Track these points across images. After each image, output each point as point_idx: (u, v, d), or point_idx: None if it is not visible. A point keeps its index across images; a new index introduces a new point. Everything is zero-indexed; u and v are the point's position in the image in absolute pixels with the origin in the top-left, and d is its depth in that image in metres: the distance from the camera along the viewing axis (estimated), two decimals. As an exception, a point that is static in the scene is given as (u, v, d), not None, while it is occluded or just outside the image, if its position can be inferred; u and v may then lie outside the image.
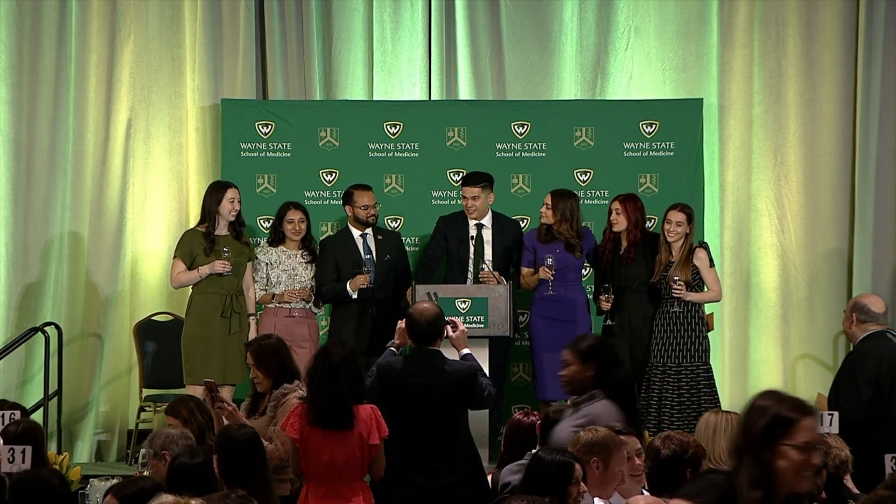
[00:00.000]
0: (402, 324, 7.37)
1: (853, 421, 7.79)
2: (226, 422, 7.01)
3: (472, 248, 9.88)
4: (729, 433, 7.25)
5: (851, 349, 8.76)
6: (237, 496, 4.83)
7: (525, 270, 9.78)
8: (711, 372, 9.58)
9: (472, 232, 9.90)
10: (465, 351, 7.35)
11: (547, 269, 9.54)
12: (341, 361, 6.71)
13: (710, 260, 9.69)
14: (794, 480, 4.14)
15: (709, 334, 9.66)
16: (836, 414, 7.67)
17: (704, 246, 9.78)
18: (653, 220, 10.14)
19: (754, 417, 4.17)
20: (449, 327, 7.39)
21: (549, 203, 9.72)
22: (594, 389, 6.47)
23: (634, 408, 6.53)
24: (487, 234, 9.92)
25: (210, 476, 5.78)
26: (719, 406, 9.50)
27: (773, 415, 4.14)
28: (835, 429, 7.51)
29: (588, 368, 6.49)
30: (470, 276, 9.82)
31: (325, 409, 6.63)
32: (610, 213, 9.75)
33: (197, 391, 9.47)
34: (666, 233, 9.58)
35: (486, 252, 9.85)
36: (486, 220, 9.92)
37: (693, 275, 9.52)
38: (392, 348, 7.36)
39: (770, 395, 4.20)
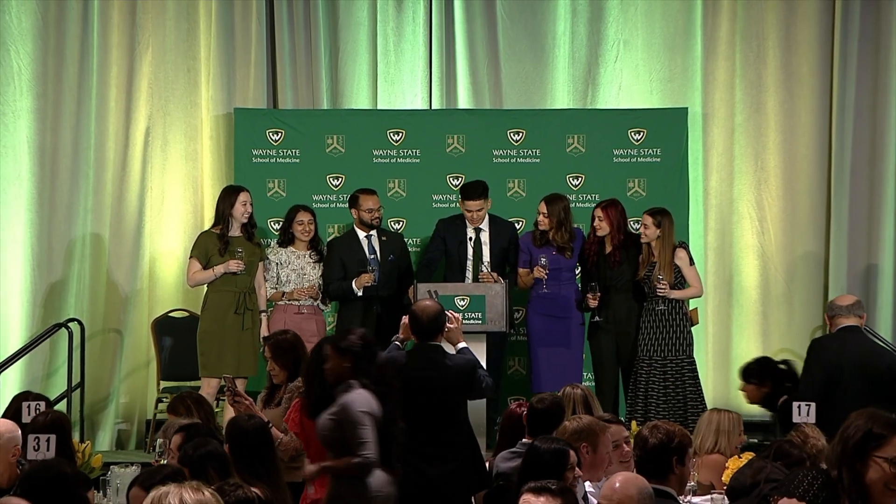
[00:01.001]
0: (405, 320, 7.40)
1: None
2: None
3: (470, 250, 9.89)
4: (728, 427, 7.31)
5: None
6: (231, 485, 4.85)
7: (521, 271, 9.80)
8: (695, 365, 9.58)
9: (471, 234, 9.92)
10: (462, 345, 7.37)
11: (542, 269, 9.56)
12: None
13: (690, 258, 9.69)
14: (882, 493, 4.19)
15: (693, 329, 9.68)
16: (812, 405, 7.71)
17: (684, 245, 9.78)
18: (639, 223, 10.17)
19: (850, 431, 4.25)
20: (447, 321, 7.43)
21: (545, 212, 9.72)
22: (350, 380, 6.54)
23: (393, 398, 6.68)
24: (485, 237, 9.92)
25: (225, 462, 5.81)
26: (702, 397, 9.56)
27: (867, 430, 4.22)
28: (811, 419, 7.56)
29: (345, 361, 6.55)
30: (469, 275, 9.84)
31: (319, 402, 6.64)
32: (593, 219, 9.74)
33: (212, 383, 9.55)
34: (641, 234, 9.65)
35: (483, 253, 9.86)
36: (484, 224, 9.91)
37: (675, 273, 9.56)
38: (396, 342, 7.39)
39: (865, 412, 4.28)
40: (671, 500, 5.45)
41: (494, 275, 9.55)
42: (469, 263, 9.85)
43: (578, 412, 7.21)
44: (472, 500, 7.03)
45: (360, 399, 6.38)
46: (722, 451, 7.36)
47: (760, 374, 8.90)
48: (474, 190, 9.86)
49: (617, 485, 4.92)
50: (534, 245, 9.74)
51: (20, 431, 6.60)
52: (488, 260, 9.79)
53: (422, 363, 7.16)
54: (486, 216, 9.92)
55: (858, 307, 8.37)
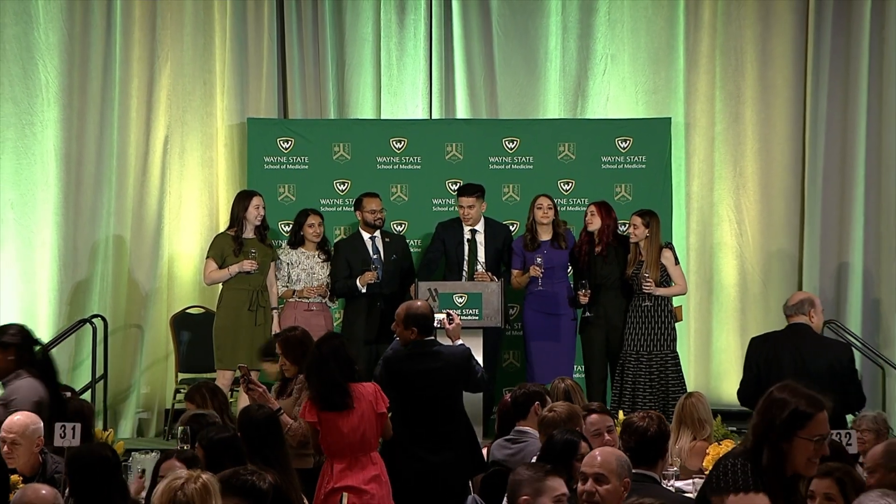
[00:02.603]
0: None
1: (743, 401, 7.78)
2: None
3: (467, 250, 9.89)
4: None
5: None
6: (248, 471, 4.84)
7: (515, 272, 9.80)
8: (678, 358, 9.56)
9: (468, 236, 9.91)
10: (459, 342, 7.39)
11: (537, 268, 9.56)
12: (329, 351, 6.73)
13: (676, 258, 9.68)
14: (804, 467, 4.15)
15: (677, 325, 9.67)
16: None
17: (670, 246, 9.78)
18: (626, 224, 10.15)
19: (774, 410, 4.16)
20: (446, 319, 7.40)
21: (549, 204, 9.69)
22: (18, 370, 6.84)
23: (56, 384, 6.98)
24: (481, 238, 9.91)
25: (238, 448, 5.79)
26: (685, 388, 9.53)
27: (792, 409, 4.14)
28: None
29: (9, 354, 6.85)
30: (465, 274, 9.83)
31: (322, 394, 6.64)
32: (585, 215, 9.76)
33: (226, 375, 9.54)
34: (630, 234, 9.63)
35: (479, 253, 9.86)
36: (479, 226, 9.92)
37: (661, 272, 9.54)
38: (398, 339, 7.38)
39: (787, 389, 4.19)
40: (657, 485, 5.44)
41: (489, 274, 9.55)
42: (465, 264, 9.84)
43: None
44: (470, 485, 7.00)
45: (29, 387, 6.72)
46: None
47: None
48: (467, 187, 9.92)
49: (598, 456, 5.01)
50: (525, 249, 9.73)
51: (42, 423, 6.59)
52: (483, 259, 9.77)
53: (420, 357, 7.15)
54: (482, 219, 9.91)
55: (804, 305, 8.27)
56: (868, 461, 5.64)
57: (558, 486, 4.86)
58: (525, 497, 4.85)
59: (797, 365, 7.64)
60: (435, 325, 7.28)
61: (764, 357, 7.75)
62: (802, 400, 4.16)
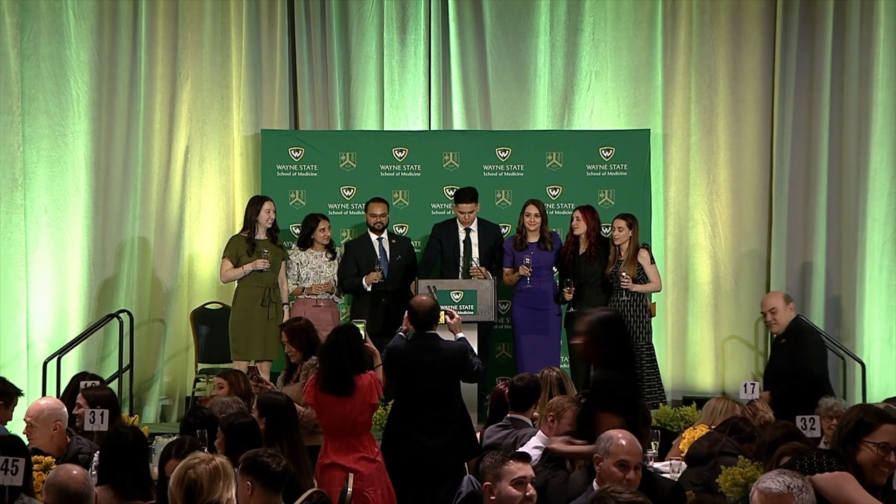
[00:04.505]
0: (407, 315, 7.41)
1: None
2: None
3: (462, 249, 9.91)
4: (725, 413, 7.28)
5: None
6: (270, 455, 4.87)
7: (506, 270, 9.81)
8: (653, 351, 9.57)
9: (462, 236, 9.92)
10: (460, 335, 7.37)
11: (526, 267, 9.57)
12: (346, 340, 6.75)
13: (652, 258, 9.68)
14: (871, 472, 4.28)
15: (652, 320, 9.68)
16: (757, 383, 7.72)
17: (647, 246, 9.79)
18: (609, 227, 10.16)
19: (844, 421, 4.39)
20: (447, 316, 7.42)
21: (536, 211, 9.70)
22: None
23: None
24: (475, 238, 9.92)
25: (256, 434, 5.81)
26: (659, 379, 9.55)
27: (858, 419, 4.33)
28: (758, 395, 7.56)
29: None
30: (461, 271, 9.85)
31: (330, 378, 6.66)
32: (571, 219, 9.77)
33: (241, 365, 9.54)
34: (613, 236, 9.63)
35: (473, 251, 9.88)
36: (473, 226, 9.94)
37: (638, 270, 9.55)
38: (400, 333, 7.38)
39: (861, 406, 4.42)
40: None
41: (483, 269, 9.57)
42: (461, 261, 9.85)
43: (554, 392, 7.27)
44: (465, 467, 7.01)
45: None
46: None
47: None
48: (466, 194, 9.90)
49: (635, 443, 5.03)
50: (515, 249, 9.75)
51: (65, 408, 6.63)
52: (477, 257, 9.80)
53: (421, 349, 7.16)
54: (476, 219, 9.92)
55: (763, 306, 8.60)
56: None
57: (516, 469, 4.80)
58: (487, 483, 4.83)
59: None
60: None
61: None
62: (868, 413, 4.42)
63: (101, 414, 6.65)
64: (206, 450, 5.46)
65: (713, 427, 6.82)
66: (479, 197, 9.98)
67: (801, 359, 8.33)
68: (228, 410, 6.43)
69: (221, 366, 9.97)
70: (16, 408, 7.26)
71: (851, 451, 4.29)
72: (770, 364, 8.88)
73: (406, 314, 7.34)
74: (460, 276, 9.72)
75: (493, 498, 4.79)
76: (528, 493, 4.79)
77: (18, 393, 7.20)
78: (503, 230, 10.37)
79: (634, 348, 8.87)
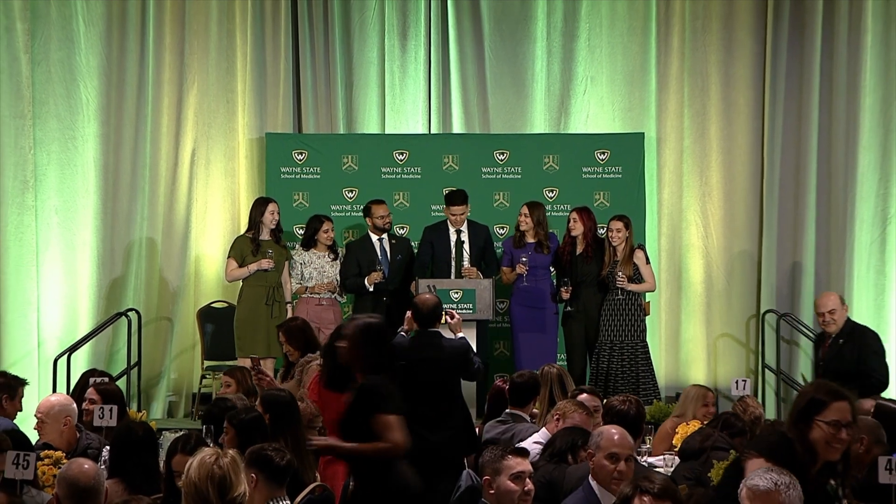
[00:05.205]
0: (409, 314, 7.41)
1: None
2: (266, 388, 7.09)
3: (453, 250, 9.91)
4: (696, 400, 7.34)
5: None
6: (274, 449, 4.88)
7: (505, 269, 9.82)
8: (647, 348, 9.59)
9: (454, 237, 9.93)
10: (460, 334, 7.40)
11: (522, 266, 9.59)
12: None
13: (647, 258, 9.70)
14: (825, 450, 4.26)
15: (648, 318, 9.70)
16: (748, 380, 7.74)
17: (642, 247, 9.80)
18: (605, 228, 10.17)
19: (798, 399, 4.36)
20: (447, 316, 7.42)
21: (527, 212, 9.76)
22: None
23: None
24: (466, 238, 9.92)
25: (264, 428, 5.83)
26: (654, 375, 9.57)
27: (811, 398, 4.30)
28: (749, 391, 7.58)
29: None
30: (453, 270, 9.85)
31: (333, 376, 6.66)
32: (568, 221, 9.78)
33: (246, 362, 9.52)
34: (609, 237, 9.64)
35: (464, 251, 9.88)
36: (464, 227, 9.94)
37: (634, 270, 9.56)
38: (402, 332, 7.39)
39: (815, 383, 4.37)
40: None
41: (474, 270, 9.59)
42: (453, 261, 9.86)
43: (554, 388, 7.27)
44: (465, 462, 7.02)
45: None
46: (693, 416, 7.39)
47: None
48: (458, 197, 9.90)
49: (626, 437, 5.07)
50: (514, 247, 9.77)
51: (74, 405, 6.64)
52: (468, 256, 9.81)
53: (423, 346, 7.17)
54: (466, 221, 9.93)
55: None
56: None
57: (515, 464, 4.81)
58: (486, 477, 4.84)
59: None
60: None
61: None
62: (821, 390, 4.36)
63: (111, 410, 6.66)
64: (211, 445, 5.47)
65: (689, 414, 6.98)
66: (479, 198, 9.99)
67: (869, 358, 8.43)
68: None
69: (227, 363, 9.98)
70: (25, 402, 7.25)
71: (804, 429, 4.27)
72: (828, 363, 8.77)
73: (407, 314, 7.35)
74: (453, 277, 9.72)
75: (492, 492, 4.80)
76: (526, 488, 4.80)
77: (21, 383, 7.12)
78: (501, 231, 10.38)
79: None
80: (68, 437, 6.48)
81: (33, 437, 6.50)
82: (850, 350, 8.52)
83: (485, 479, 4.83)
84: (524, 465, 4.86)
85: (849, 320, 8.78)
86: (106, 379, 7.51)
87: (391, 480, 5.20)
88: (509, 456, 4.83)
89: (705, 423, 6.91)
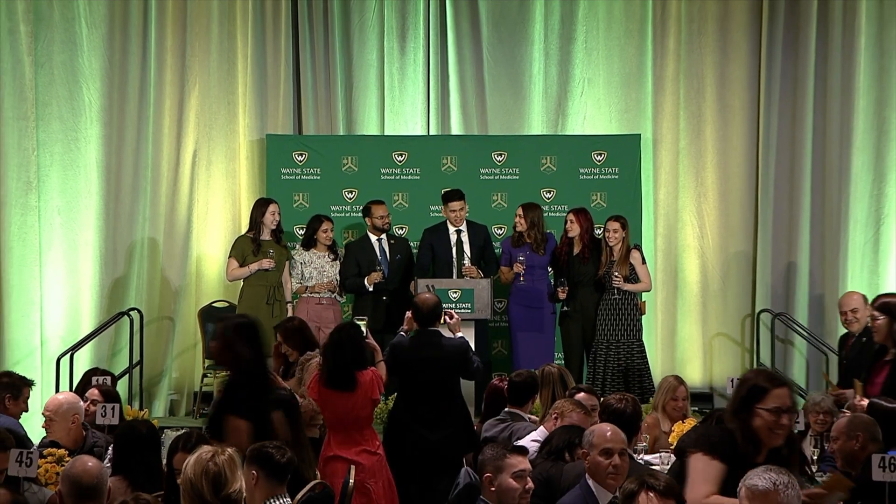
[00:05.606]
0: (409, 314, 7.41)
1: None
2: None
3: (454, 249, 9.92)
4: (668, 391, 7.40)
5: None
6: (275, 446, 4.88)
7: (503, 269, 9.83)
8: (643, 347, 9.59)
9: (454, 237, 9.93)
10: (459, 334, 7.40)
11: (519, 264, 9.59)
12: (347, 338, 6.76)
13: (643, 258, 9.71)
14: (768, 436, 4.23)
15: (642, 317, 9.70)
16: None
17: (638, 247, 9.80)
18: (601, 228, 10.17)
19: (739, 387, 4.31)
20: (446, 316, 7.43)
21: (521, 213, 9.77)
22: None
23: None
24: (465, 237, 9.93)
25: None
26: (650, 373, 9.58)
27: (751, 385, 4.26)
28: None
29: None
30: (454, 270, 9.86)
31: (332, 374, 6.67)
32: (565, 222, 9.79)
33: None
34: (606, 238, 9.64)
35: (464, 251, 9.89)
36: (463, 227, 9.95)
37: (630, 270, 9.57)
38: (402, 332, 7.40)
39: (754, 370, 4.32)
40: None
41: (474, 268, 9.59)
42: (454, 261, 9.86)
43: (556, 387, 7.25)
44: (464, 460, 7.03)
45: None
46: (662, 408, 7.43)
47: None
48: (455, 194, 9.92)
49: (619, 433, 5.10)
50: (512, 246, 9.78)
51: (81, 403, 6.65)
52: (469, 255, 9.81)
53: (423, 345, 7.18)
54: (465, 220, 9.93)
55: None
56: (833, 431, 5.73)
57: (517, 462, 4.82)
58: (487, 475, 4.84)
59: None
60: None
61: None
62: (761, 377, 4.35)
63: (113, 408, 6.67)
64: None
65: (659, 406, 7.15)
66: (477, 199, 10.00)
67: None
68: None
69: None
70: (31, 401, 7.25)
71: (746, 419, 4.26)
72: (851, 361, 8.75)
73: (407, 314, 7.35)
74: (454, 276, 9.72)
75: (493, 489, 4.80)
76: (527, 486, 4.81)
77: (27, 384, 7.12)
78: (499, 231, 10.38)
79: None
80: (75, 435, 6.50)
81: (38, 435, 6.51)
82: (873, 348, 8.52)
83: (486, 477, 4.83)
84: (525, 464, 4.88)
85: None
86: (108, 378, 7.51)
87: None
88: (511, 454, 4.84)
89: (680, 417, 7.00)
